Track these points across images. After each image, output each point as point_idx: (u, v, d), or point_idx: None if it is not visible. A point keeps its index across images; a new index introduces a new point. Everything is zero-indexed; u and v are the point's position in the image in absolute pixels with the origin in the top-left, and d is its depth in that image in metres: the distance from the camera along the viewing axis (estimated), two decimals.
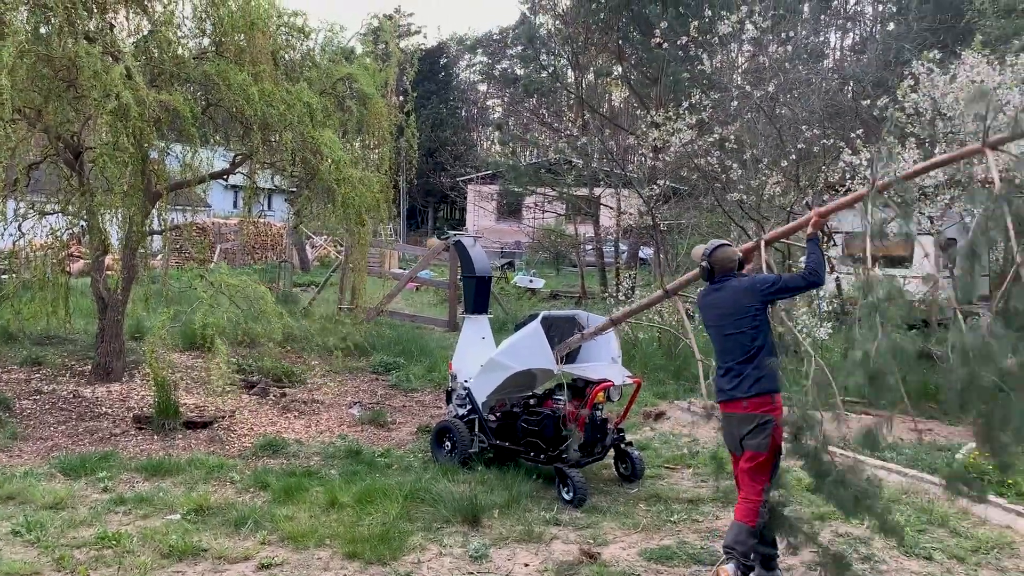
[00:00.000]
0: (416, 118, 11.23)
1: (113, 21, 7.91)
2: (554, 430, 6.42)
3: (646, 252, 22.98)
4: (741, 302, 4.77)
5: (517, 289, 20.84)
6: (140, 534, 5.14)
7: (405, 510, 5.70)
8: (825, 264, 4.83)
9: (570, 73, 26.01)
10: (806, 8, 33.42)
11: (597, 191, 22.71)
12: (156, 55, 7.92)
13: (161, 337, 7.80)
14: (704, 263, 4.97)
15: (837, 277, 11.15)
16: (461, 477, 6.47)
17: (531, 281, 21.80)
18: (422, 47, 49.97)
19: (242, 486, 6.26)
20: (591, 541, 5.36)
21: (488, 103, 57.95)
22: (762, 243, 5.11)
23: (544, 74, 27.57)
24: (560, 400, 6.60)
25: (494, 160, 31.84)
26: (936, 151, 9.47)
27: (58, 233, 9.72)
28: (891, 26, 33.56)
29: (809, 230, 4.80)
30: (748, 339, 4.71)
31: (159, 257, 10.98)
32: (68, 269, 10.39)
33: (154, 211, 8.52)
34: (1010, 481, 6.37)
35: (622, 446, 6.73)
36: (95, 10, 7.44)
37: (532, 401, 6.83)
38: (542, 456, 6.46)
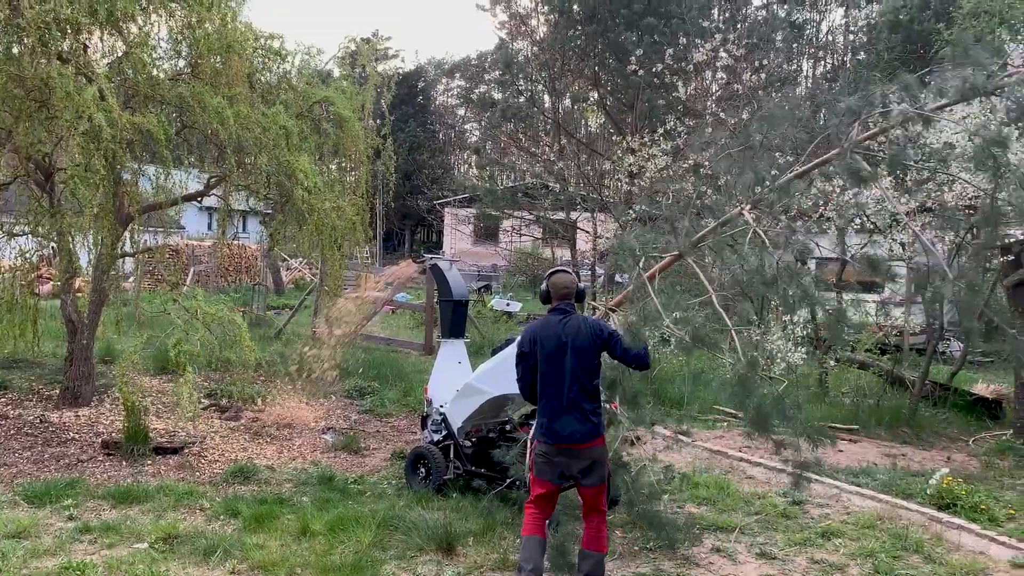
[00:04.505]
0: (393, 141, 11.20)
1: (87, 42, 7.83)
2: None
3: (622, 276, 23.05)
4: (589, 340, 4.83)
5: (494, 312, 20.77)
6: (106, 564, 5.02)
7: (378, 538, 5.62)
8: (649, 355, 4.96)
9: (547, 98, 26.18)
10: (779, 37, 34.00)
11: (574, 215, 22.80)
12: (130, 76, 7.85)
13: (133, 361, 7.68)
14: (543, 286, 5.10)
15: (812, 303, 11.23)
16: (436, 504, 6.40)
17: (508, 304, 21.73)
18: (400, 71, 50.19)
19: (212, 514, 6.14)
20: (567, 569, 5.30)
21: (465, 127, 58.26)
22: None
23: (521, 99, 27.74)
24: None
25: (471, 183, 31.94)
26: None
27: (27, 255, 9.56)
28: (862, 55, 34.22)
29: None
30: (591, 378, 4.81)
31: (131, 280, 10.84)
32: (37, 291, 10.24)
33: (126, 233, 8.42)
34: (983, 507, 6.42)
35: None
36: (69, 31, 7.34)
37: (508, 427, 6.78)
38: (518, 482, 6.39)
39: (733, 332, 4.56)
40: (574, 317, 4.96)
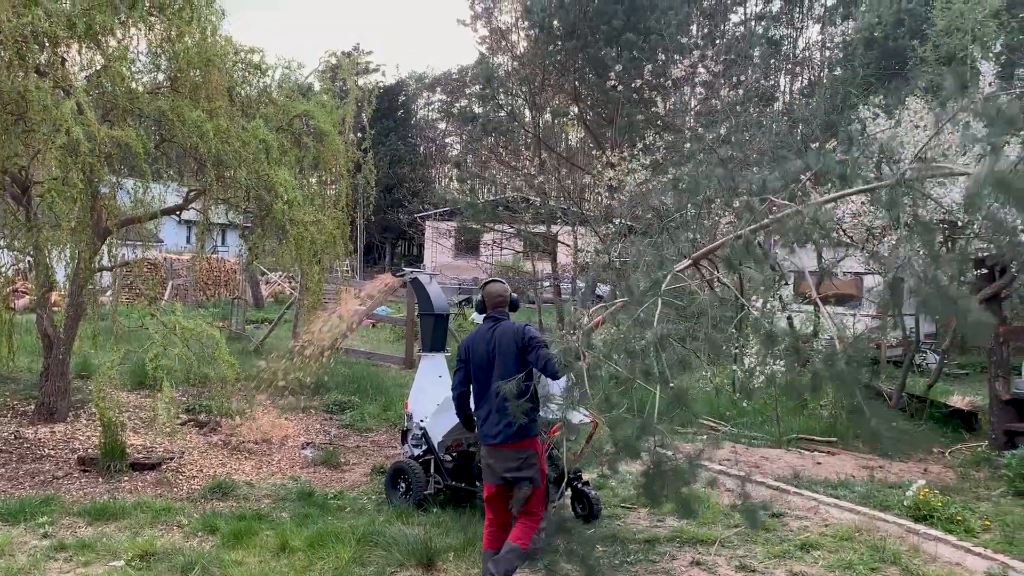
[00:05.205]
0: (374, 155, 11.20)
1: (65, 55, 7.80)
2: None
3: (603, 289, 23.12)
4: (512, 344, 4.99)
5: (475, 326, 20.76)
6: None
7: (358, 554, 5.59)
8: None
9: (527, 113, 26.32)
10: (756, 53, 34.39)
11: (554, 228, 22.89)
12: (109, 90, 7.81)
13: (110, 377, 7.61)
14: (479, 296, 5.33)
15: (789, 316, 11.33)
16: (416, 519, 6.37)
17: None
18: (381, 85, 50.19)
19: (190, 530, 6.08)
20: None
21: (446, 140, 58.42)
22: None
23: (502, 113, 27.86)
24: None
25: (452, 197, 31.90)
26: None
27: (2, 268, 9.47)
28: (838, 71, 34.66)
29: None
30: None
31: (108, 294, 10.75)
32: (12, 305, 10.11)
33: (104, 247, 8.36)
34: (959, 518, 6.48)
35: (578, 486, 6.69)
36: (47, 44, 7.32)
37: None
38: None
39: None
40: (503, 324, 5.16)
